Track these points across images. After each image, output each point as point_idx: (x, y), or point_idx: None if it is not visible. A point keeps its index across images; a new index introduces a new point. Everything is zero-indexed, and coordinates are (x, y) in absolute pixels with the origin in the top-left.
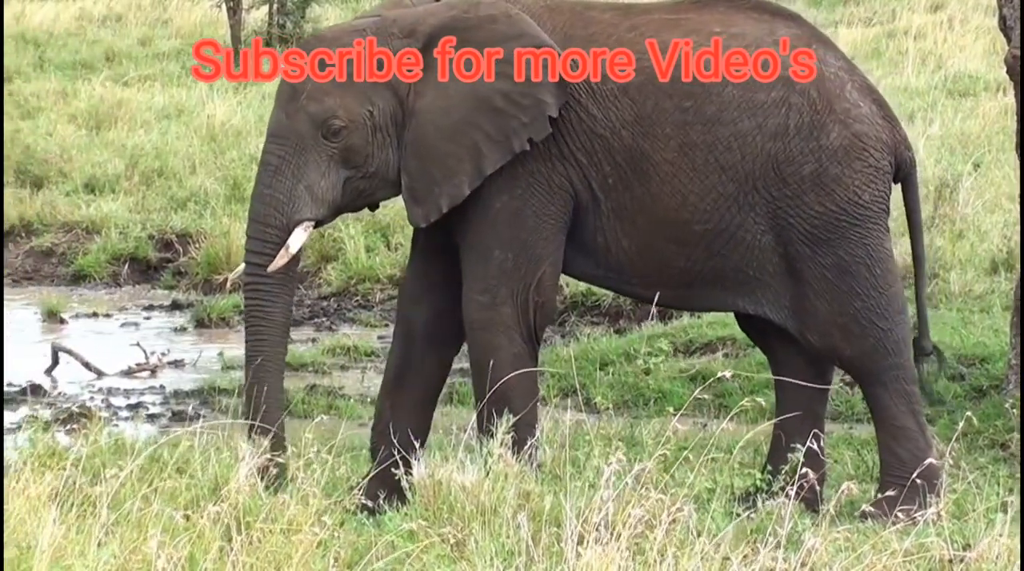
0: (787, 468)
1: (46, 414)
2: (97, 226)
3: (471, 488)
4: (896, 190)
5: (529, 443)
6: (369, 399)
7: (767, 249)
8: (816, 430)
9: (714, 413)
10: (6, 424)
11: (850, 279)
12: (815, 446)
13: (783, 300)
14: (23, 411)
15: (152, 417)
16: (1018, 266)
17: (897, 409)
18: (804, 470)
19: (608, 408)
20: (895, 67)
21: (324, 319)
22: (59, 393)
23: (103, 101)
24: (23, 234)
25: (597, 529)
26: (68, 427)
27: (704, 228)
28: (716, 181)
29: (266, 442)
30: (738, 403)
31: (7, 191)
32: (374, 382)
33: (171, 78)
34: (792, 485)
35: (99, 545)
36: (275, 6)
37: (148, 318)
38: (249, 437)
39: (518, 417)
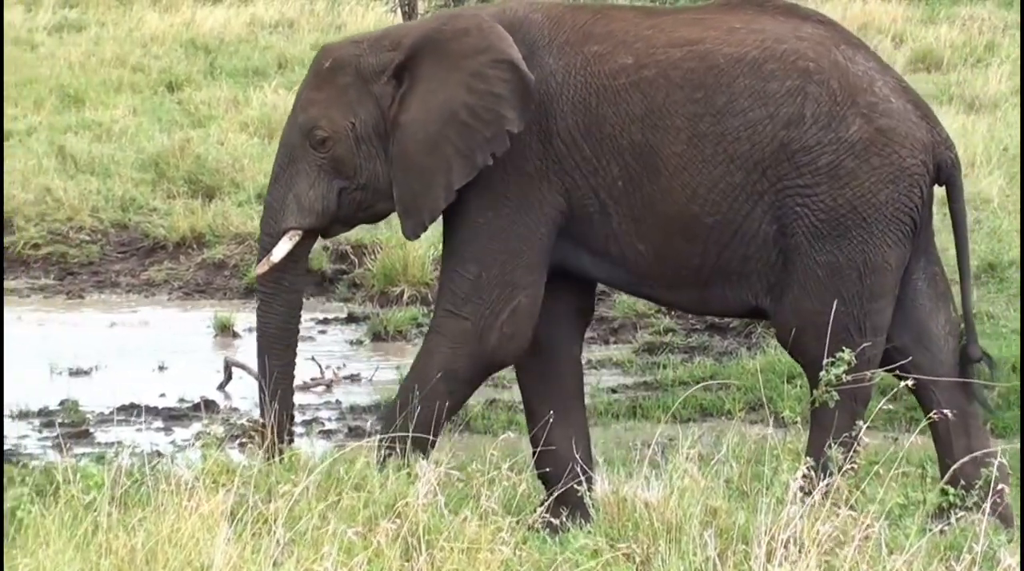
0: (980, 482)
1: (219, 430)
2: None
3: (656, 504)
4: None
5: (399, 450)
6: None
7: (770, 239)
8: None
9: (905, 426)
10: (179, 440)
11: (839, 282)
12: (1004, 460)
13: (775, 289)
14: (196, 427)
15: (327, 433)
16: None
17: (840, 422)
18: (1001, 485)
19: (796, 422)
20: None
21: None
22: (232, 409)
23: (275, 109)
24: (195, 246)
25: (786, 546)
26: (241, 443)
27: (713, 220)
28: (724, 171)
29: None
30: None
31: (178, 202)
32: None
33: None
34: (987, 500)
35: (274, 564)
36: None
37: (323, 332)
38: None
39: (407, 422)
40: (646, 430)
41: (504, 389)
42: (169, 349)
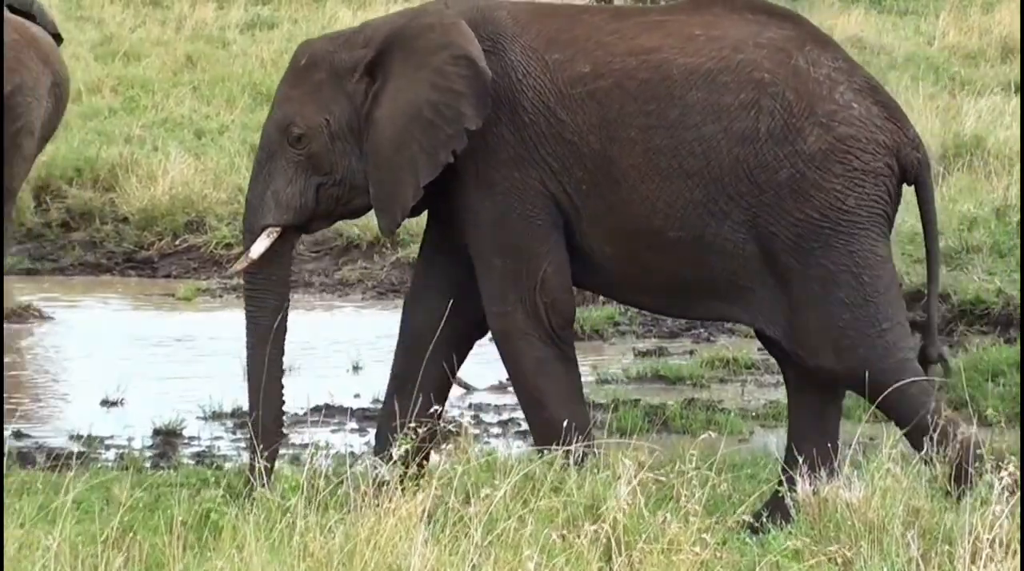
0: None
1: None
2: None
3: (858, 505)
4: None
5: (575, 442)
6: (751, 413)
7: (754, 259)
8: None
9: None
10: (373, 442)
11: (836, 289)
12: None
13: (776, 314)
14: None
15: (524, 433)
16: None
17: (912, 411)
18: None
19: (999, 421)
20: None
21: (702, 330)
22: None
23: None
24: (388, 245)
25: (991, 547)
26: (439, 444)
27: (678, 235)
28: (682, 187)
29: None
30: None
31: None
32: (754, 396)
33: None
34: None
35: (473, 567)
36: None
37: None
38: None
39: (561, 419)
40: (847, 429)
41: (702, 388)
42: (364, 349)
